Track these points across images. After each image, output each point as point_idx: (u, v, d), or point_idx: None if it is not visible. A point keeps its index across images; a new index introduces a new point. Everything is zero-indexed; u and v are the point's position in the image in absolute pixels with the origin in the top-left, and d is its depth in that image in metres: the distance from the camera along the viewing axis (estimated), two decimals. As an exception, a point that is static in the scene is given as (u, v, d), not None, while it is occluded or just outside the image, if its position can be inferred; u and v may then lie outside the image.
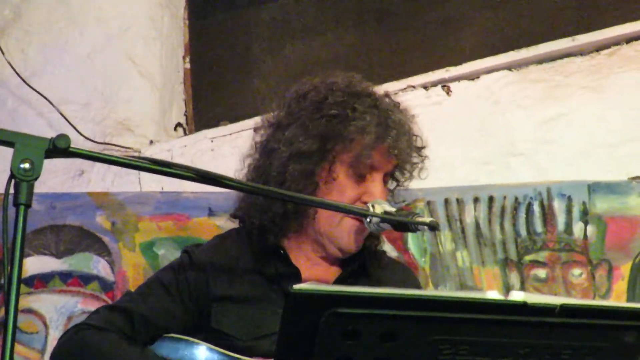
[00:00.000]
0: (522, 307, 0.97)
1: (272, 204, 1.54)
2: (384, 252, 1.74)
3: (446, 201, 2.20)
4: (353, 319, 0.96)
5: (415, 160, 1.59)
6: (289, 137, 1.56)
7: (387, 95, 1.61)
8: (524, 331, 1.01)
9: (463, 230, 2.22)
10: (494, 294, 0.98)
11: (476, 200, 2.18)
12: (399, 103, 1.61)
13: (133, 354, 1.49)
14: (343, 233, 1.53)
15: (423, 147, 1.62)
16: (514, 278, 2.14)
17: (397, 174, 1.60)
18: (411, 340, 1.00)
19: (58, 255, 2.32)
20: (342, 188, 1.53)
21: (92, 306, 2.14)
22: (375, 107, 1.55)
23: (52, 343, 2.32)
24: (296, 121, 1.55)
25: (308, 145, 1.54)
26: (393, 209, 1.44)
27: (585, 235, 2.13)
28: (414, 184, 1.71)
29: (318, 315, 0.95)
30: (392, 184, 1.61)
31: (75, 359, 1.51)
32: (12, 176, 1.08)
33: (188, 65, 2.89)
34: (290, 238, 1.60)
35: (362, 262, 1.61)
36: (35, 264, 2.32)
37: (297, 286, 0.94)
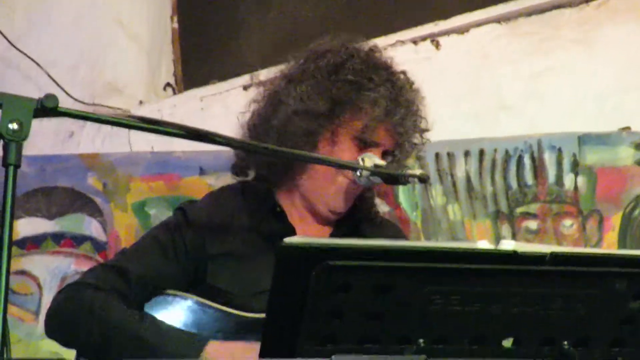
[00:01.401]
0: (512, 256, 0.95)
1: (267, 159, 1.52)
2: (377, 213, 1.68)
3: (437, 155, 2.15)
4: (344, 272, 0.93)
5: (416, 141, 1.56)
6: (300, 92, 1.52)
7: (403, 72, 1.56)
8: (515, 280, 0.98)
9: (454, 184, 2.17)
10: (484, 244, 0.95)
11: (467, 154, 2.13)
12: (413, 82, 1.56)
13: (144, 320, 1.45)
14: (333, 192, 1.50)
15: (427, 130, 1.58)
16: (506, 230, 2.10)
17: (396, 151, 1.55)
18: (403, 292, 0.96)
19: (50, 217, 2.28)
20: (340, 154, 1.49)
21: (86, 267, 2.10)
22: (390, 82, 1.51)
23: (46, 304, 2.22)
24: (310, 79, 1.51)
25: (318, 105, 1.51)
26: (383, 162, 1.40)
27: (575, 187, 2.07)
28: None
29: (309, 269, 0.93)
30: (387, 159, 1.53)
31: (76, 318, 1.45)
32: (0, 137, 1.04)
33: (176, 25, 2.78)
34: (284, 196, 1.56)
35: (355, 223, 1.57)
36: (27, 226, 2.28)
37: (287, 239, 0.92)
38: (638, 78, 2.32)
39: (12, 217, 1.03)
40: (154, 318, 1.46)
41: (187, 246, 1.53)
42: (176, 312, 1.51)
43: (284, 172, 1.53)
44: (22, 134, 1.03)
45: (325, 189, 1.52)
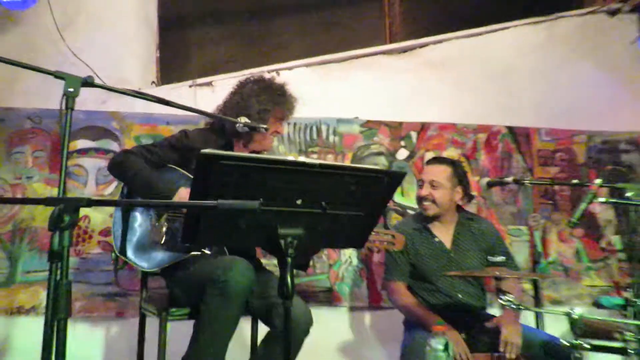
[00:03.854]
0: (302, 164, 1.34)
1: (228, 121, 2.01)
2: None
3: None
4: (229, 166, 1.24)
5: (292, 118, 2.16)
6: (258, 99, 2.05)
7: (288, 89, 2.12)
8: (303, 174, 1.35)
9: (288, 138, 3.12)
10: (292, 158, 1.35)
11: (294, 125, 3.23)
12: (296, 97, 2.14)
13: (153, 172, 1.94)
14: (266, 142, 2.10)
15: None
16: (302, 156, 3.02)
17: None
18: (258, 178, 1.32)
19: (93, 139, 3.00)
20: (272, 127, 2.09)
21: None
22: (289, 95, 2.14)
23: (89, 181, 2.94)
24: (253, 94, 2.07)
25: (267, 105, 2.06)
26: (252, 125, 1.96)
27: (334, 142, 3.15)
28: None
29: (213, 165, 1.23)
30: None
31: (122, 164, 1.96)
32: (64, 94, 1.29)
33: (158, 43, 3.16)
34: (237, 143, 2.11)
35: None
36: (81, 143, 2.98)
37: (203, 150, 1.23)
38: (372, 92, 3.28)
39: (69, 136, 1.31)
40: (158, 172, 1.96)
41: (184, 147, 2.03)
42: (172, 173, 2.05)
43: (237, 135, 2.03)
44: (75, 94, 1.32)
45: (260, 142, 2.10)
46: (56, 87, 1.37)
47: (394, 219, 3.33)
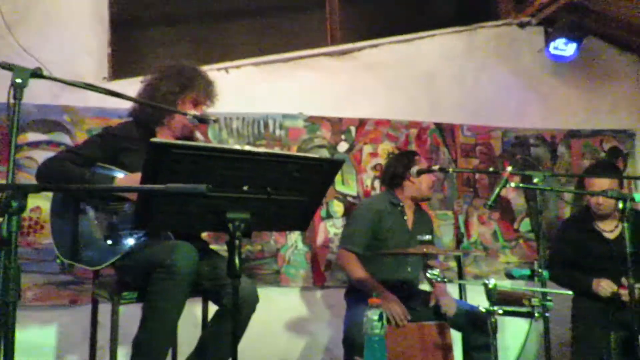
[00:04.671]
0: (244, 152, 1.35)
1: (149, 110, 1.92)
2: (197, 138, 2.03)
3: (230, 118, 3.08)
4: (180, 155, 1.26)
5: (210, 105, 2.02)
6: (168, 82, 1.93)
7: (207, 75, 2.01)
8: (247, 160, 1.35)
9: (231, 129, 3.08)
10: (237, 146, 1.38)
11: (242, 119, 3.11)
12: (212, 81, 2.01)
13: (85, 172, 1.81)
14: (181, 126, 1.99)
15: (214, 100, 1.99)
16: (249, 147, 2.83)
17: (204, 108, 2.00)
18: (203, 168, 1.30)
19: (44, 132, 2.84)
20: (185, 109, 1.95)
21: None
22: (204, 79, 2.01)
23: None
24: (172, 76, 1.95)
25: (176, 88, 1.93)
26: (199, 113, 1.88)
27: (279, 135, 3.15)
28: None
29: (163, 153, 1.24)
30: (201, 112, 1.96)
31: (54, 172, 1.82)
32: (12, 85, 1.26)
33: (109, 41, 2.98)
34: (160, 131, 2.00)
35: (189, 138, 1.96)
36: (32, 136, 2.83)
37: (153, 139, 1.26)
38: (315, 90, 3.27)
39: (18, 125, 1.25)
40: (91, 171, 1.83)
41: (109, 143, 1.92)
42: (102, 170, 1.92)
43: (159, 118, 1.95)
44: (23, 85, 1.27)
45: (178, 125, 1.97)
46: (7, 80, 1.31)
47: (336, 206, 3.34)
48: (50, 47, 2.85)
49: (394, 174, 2.57)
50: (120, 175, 1.86)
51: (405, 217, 2.62)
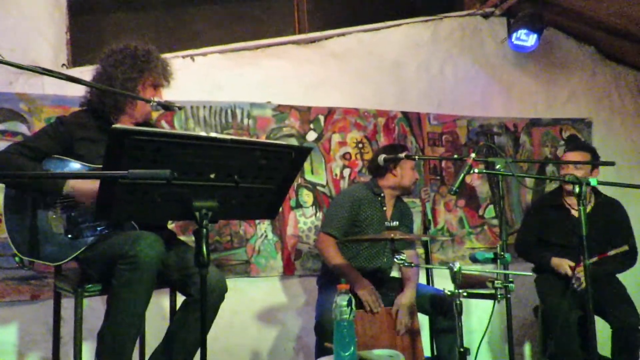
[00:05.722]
0: (216, 139, 1.30)
1: (108, 96, 1.84)
2: (154, 125, 2.06)
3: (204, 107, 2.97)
4: (143, 142, 1.21)
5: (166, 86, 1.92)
6: (124, 65, 1.83)
7: (165, 59, 1.95)
8: (216, 148, 1.30)
9: (204, 119, 2.98)
10: (204, 134, 1.30)
11: (210, 108, 3.02)
12: (168, 63, 1.94)
13: (37, 167, 1.75)
14: (143, 112, 1.93)
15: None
16: (225, 135, 2.76)
17: (162, 90, 1.95)
18: (167, 155, 1.25)
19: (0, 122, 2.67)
20: (145, 94, 1.88)
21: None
22: (162, 62, 1.93)
23: None
24: (117, 64, 1.85)
25: (134, 72, 1.86)
26: (162, 99, 1.77)
27: (248, 125, 3.10)
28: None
29: (124, 139, 1.18)
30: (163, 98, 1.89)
31: (1, 167, 1.73)
32: None
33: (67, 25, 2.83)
34: (120, 119, 1.92)
35: (151, 125, 1.95)
36: None
37: (114, 125, 1.22)
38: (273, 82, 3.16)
39: None
40: (41, 165, 1.75)
41: (64, 134, 1.83)
42: (57, 163, 1.85)
43: (117, 104, 1.86)
44: None
45: (140, 111, 1.91)
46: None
47: (305, 195, 3.33)
48: (3, 32, 2.72)
49: (378, 163, 2.57)
50: (77, 166, 1.79)
51: (385, 208, 2.63)
